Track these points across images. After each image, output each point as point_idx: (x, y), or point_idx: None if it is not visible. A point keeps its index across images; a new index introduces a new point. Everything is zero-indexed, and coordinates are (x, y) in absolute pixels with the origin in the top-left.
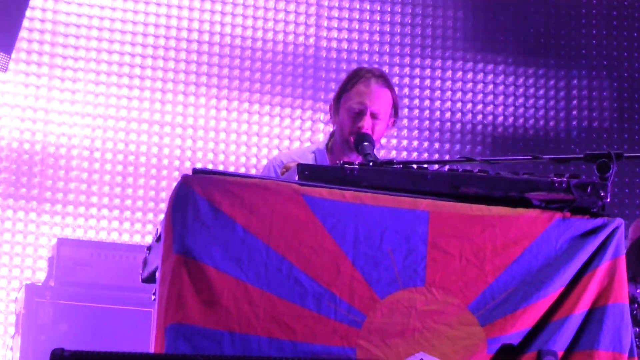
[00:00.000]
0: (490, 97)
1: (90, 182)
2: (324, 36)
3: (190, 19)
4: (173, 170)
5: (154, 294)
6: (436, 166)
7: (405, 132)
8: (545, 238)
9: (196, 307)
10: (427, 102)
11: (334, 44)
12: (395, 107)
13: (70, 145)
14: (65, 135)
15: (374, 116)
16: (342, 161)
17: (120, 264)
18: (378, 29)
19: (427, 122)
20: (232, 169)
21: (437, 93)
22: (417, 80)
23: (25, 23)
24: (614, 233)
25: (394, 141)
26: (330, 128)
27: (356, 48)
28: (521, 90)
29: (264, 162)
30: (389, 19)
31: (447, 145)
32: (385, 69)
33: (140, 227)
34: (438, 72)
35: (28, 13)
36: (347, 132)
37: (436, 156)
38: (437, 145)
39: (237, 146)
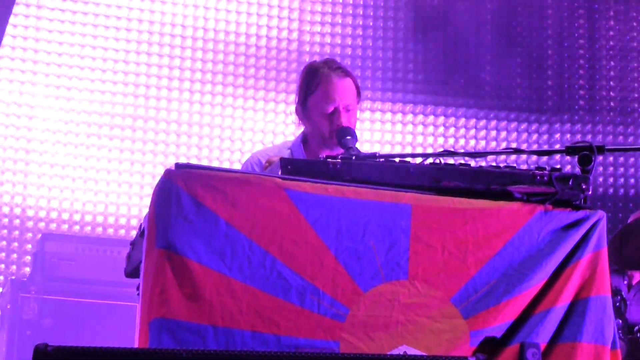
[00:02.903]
0: None
1: (74, 177)
2: (308, 30)
3: (173, 14)
4: (157, 165)
5: (138, 288)
6: (419, 159)
7: (388, 125)
8: (527, 231)
9: (179, 301)
10: (409, 96)
11: (317, 38)
12: (358, 90)
13: (55, 141)
14: (49, 131)
15: (346, 109)
16: (324, 155)
17: (104, 259)
18: (361, 22)
19: (410, 116)
20: (216, 163)
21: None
22: (399, 74)
23: (10, 19)
24: (595, 225)
25: (377, 135)
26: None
27: (339, 42)
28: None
29: (248, 156)
30: (371, 13)
31: (430, 139)
32: (368, 62)
33: (124, 222)
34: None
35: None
36: (326, 133)
37: (419, 149)
38: (420, 138)
39: (221, 141)
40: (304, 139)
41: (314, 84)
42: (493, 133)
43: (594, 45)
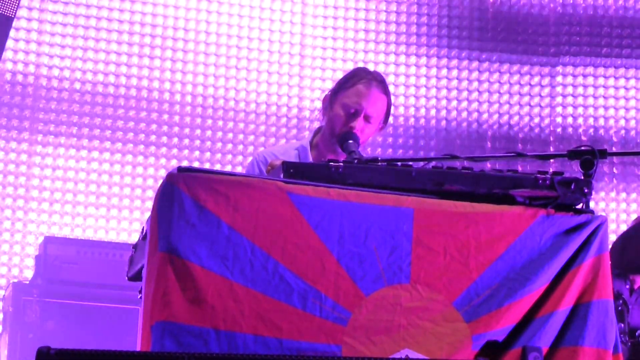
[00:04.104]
0: (475, 95)
1: (76, 180)
2: (310, 34)
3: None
4: (159, 167)
5: (140, 292)
6: (421, 163)
7: (390, 129)
8: (529, 235)
9: (182, 304)
10: (412, 100)
11: (320, 42)
12: (387, 114)
13: (56, 143)
14: (51, 134)
15: (367, 119)
16: (327, 159)
17: (107, 262)
18: (363, 26)
19: (412, 120)
20: (218, 167)
21: (422, 90)
22: (402, 78)
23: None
24: (597, 229)
25: (379, 138)
26: (317, 125)
27: (342, 45)
28: (505, 87)
29: (250, 159)
30: (374, 17)
31: (432, 142)
32: (370, 67)
33: (126, 225)
34: (423, 70)
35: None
36: (338, 129)
37: (421, 153)
38: (422, 142)
39: (223, 144)
40: (313, 141)
41: (352, 82)
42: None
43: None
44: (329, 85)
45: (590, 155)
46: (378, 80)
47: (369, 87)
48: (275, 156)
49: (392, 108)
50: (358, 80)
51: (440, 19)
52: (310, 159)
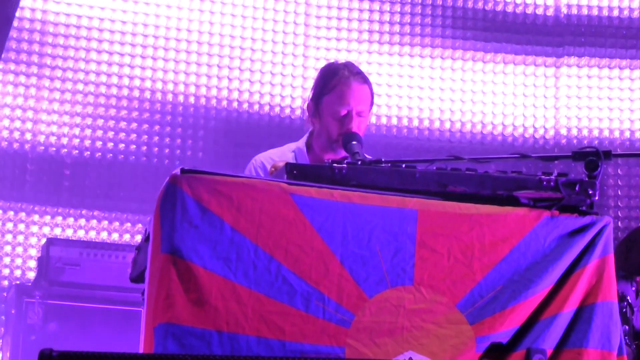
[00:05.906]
0: (479, 96)
1: (79, 181)
2: (313, 34)
3: (179, 18)
4: (162, 169)
5: (143, 293)
6: (425, 165)
7: (394, 130)
8: (533, 236)
9: (185, 306)
10: (415, 101)
11: (323, 43)
12: (372, 98)
13: (60, 145)
14: (54, 135)
15: (359, 115)
16: (329, 160)
17: (109, 264)
18: (367, 27)
19: (416, 120)
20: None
21: (427, 91)
22: (405, 79)
23: (14, 22)
24: (602, 231)
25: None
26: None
27: (345, 46)
28: (510, 87)
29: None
30: (377, 18)
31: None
32: (374, 67)
33: (129, 226)
34: (427, 71)
35: (17, 13)
36: (335, 134)
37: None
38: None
39: (225, 144)
40: (308, 143)
41: (332, 84)
42: (499, 138)
43: None
44: None
45: (594, 157)
46: (354, 73)
47: (350, 85)
48: (272, 160)
49: (396, 109)
50: (337, 81)
51: (445, 19)
52: (307, 161)
